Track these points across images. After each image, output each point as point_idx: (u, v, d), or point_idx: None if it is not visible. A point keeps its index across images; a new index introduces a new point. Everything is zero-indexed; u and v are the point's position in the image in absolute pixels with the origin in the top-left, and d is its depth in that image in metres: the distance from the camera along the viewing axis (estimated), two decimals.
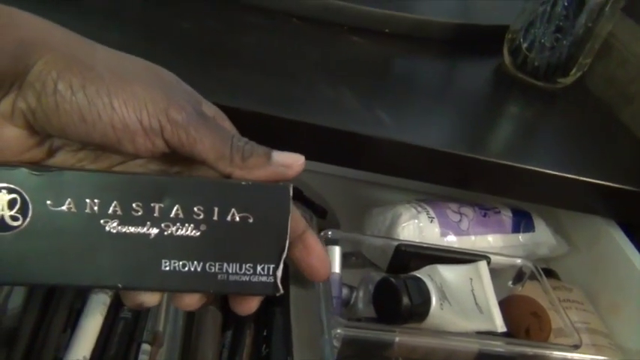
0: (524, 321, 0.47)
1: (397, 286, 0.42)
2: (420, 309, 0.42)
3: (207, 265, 0.25)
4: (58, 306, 0.39)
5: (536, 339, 0.46)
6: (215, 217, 0.25)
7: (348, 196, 0.67)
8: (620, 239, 0.55)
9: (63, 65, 0.23)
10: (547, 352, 0.45)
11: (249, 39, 0.59)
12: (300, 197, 0.61)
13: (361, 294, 0.48)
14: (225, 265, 0.25)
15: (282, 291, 0.26)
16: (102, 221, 0.24)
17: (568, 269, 0.60)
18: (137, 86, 0.24)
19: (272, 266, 0.26)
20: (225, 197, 0.25)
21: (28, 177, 0.24)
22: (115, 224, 0.24)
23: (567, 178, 0.54)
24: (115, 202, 0.24)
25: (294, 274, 0.50)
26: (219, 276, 0.25)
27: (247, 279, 0.25)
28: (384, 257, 0.50)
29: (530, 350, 0.45)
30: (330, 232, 0.48)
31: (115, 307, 0.41)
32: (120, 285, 0.25)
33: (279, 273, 0.26)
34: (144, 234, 0.24)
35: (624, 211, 0.56)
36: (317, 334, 0.41)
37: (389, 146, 0.50)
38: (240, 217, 0.25)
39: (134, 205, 0.24)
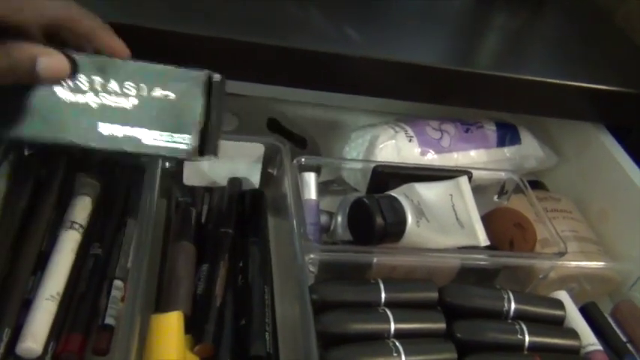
0: (507, 233, 0.46)
1: (370, 206, 0.41)
2: (394, 228, 0.41)
3: (134, 129, 0.32)
4: (25, 251, 0.38)
5: (520, 250, 0.45)
6: (143, 93, 0.32)
7: (330, 124, 0.65)
8: (610, 145, 0.53)
9: None
10: (531, 261, 0.44)
11: None
12: (277, 128, 0.59)
13: (339, 219, 0.47)
14: (147, 130, 0.32)
15: (195, 158, 0.32)
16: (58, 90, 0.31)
17: (557, 179, 0.58)
18: None
19: (187, 136, 0.32)
20: (152, 78, 0.32)
21: None
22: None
23: (554, 84, 0.52)
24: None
25: (272, 205, 0.49)
26: (142, 139, 0.32)
27: (166, 144, 0.32)
28: (364, 181, 0.49)
29: (513, 261, 0.45)
30: (303, 159, 0.46)
31: (86, 244, 0.40)
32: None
33: (193, 142, 0.32)
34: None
35: (614, 115, 0.54)
36: (293, 261, 0.40)
37: (360, 64, 0.47)
38: (162, 94, 0.32)
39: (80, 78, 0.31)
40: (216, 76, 0.33)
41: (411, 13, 0.57)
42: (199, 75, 0.32)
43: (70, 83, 0.31)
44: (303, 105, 0.63)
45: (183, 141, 0.32)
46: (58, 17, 0.33)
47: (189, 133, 0.32)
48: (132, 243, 0.41)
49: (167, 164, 0.46)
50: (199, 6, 0.47)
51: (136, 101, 0.32)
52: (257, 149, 0.48)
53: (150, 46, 0.41)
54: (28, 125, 0.31)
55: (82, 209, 0.42)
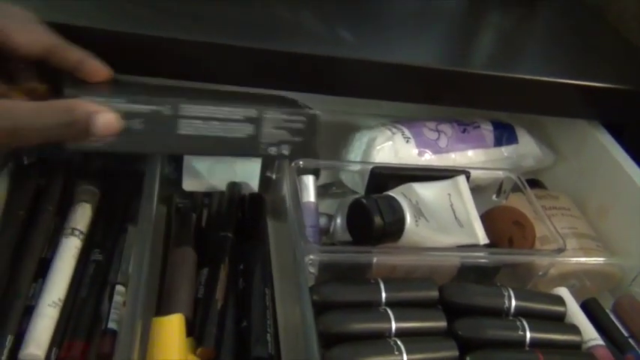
0: (506, 231, 0.46)
1: (368, 206, 0.41)
2: (393, 227, 0.41)
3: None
4: (27, 258, 0.38)
5: (519, 247, 0.45)
6: None
7: (328, 127, 0.65)
8: (607, 141, 0.53)
9: None
10: (530, 258, 0.44)
11: None
12: None
13: (339, 220, 0.47)
14: None
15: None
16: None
17: (555, 178, 0.58)
18: None
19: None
20: None
21: None
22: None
23: (550, 82, 0.52)
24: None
25: (272, 209, 0.49)
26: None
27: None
28: (363, 183, 0.49)
29: (512, 258, 0.45)
30: (301, 162, 0.47)
31: (87, 250, 0.40)
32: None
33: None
34: None
35: (610, 112, 0.55)
36: (292, 263, 0.40)
37: (356, 66, 0.48)
38: None
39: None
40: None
41: (404, 14, 0.58)
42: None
43: None
44: None
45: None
46: (53, 44, 0.35)
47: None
48: (132, 248, 0.41)
49: (166, 170, 0.47)
50: (187, 11, 0.48)
51: None
52: None
53: (139, 52, 0.42)
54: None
55: (82, 216, 0.42)
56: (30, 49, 0.34)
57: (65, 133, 0.31)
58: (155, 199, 0.41)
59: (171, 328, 0.34)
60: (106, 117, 0.31)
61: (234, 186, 0.48)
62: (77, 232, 0.40)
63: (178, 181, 0.48)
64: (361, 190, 0.50)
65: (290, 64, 0.46)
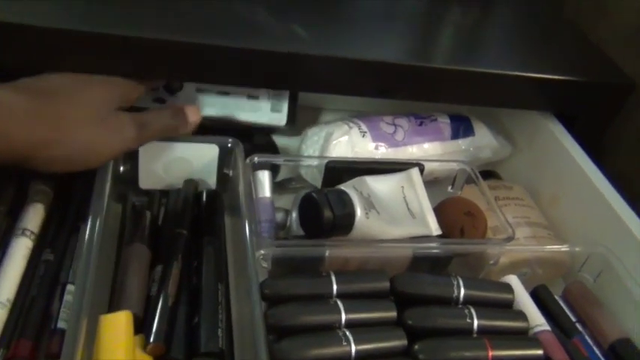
0: (458, 221, 0.47)
1: (318, 200, 0.41)
2: (343, 220, 0.42)
3: None
4: None
5: (471, 237, 0.46)
6: None
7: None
8: (559, 133, 0.55)
9: None
10: (480, 247, 0.45)
11: None
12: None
13: (294, 215, 0.47)
14: None
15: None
16: None
17: (511, 168, 0.60)
18: None
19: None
20: None
21: None
22: None
23: (504, 75, 0.53)
24: None
25: (229, 206, 0.49)
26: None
27: None
28: (321, 177, 0.50)
29: (463, 248, 0.46)
30: (256, 158, 0.47)
31: (38, 250, 0.40)
32: None
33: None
34: None
35: (561, 103, 0.56)
36: (244, 258, 0.40)
37: (313, 62, 0.48)
38: None
39: None
40: None
41: (363, 12, 0.58)
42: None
43: None
44: None
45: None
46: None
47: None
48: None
49: (121, 168, 0.47)
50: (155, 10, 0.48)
51: None
52: (212, 150, 0.49)
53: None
54: None
55: (34, 216, 0.42)
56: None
57: (174, 127, 0.45)
58: (106, 196, 0.41)
59: (119, 326, 0.34)
60: (192, 109, 0.46)
61: (190, 183, 0.49)
62: (28, 233, 0.40)
63: (134, 179, 0.49)
64: (320, 184, 0.51)
65: (246, 61, 0.47)
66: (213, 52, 0.46)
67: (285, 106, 0.53)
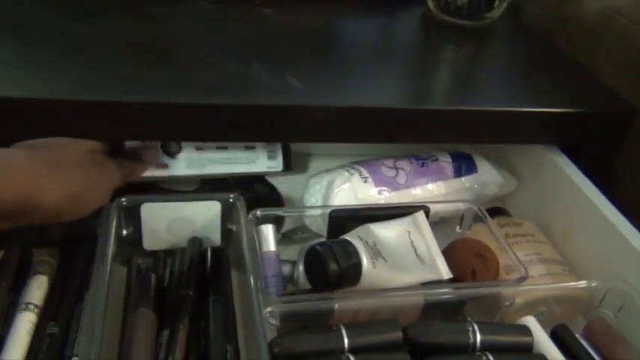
0: (468, 263, 0.46)
1: (322, 252, 0.41)
2: (350, 271, 0.41)
3: None
4: None
5: (483, 279, 0.45)
6: None
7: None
8: (564, 165, 0.54)
9: None
10: (493, 289, 0.44)
11: (155, 31, 0.58)
12: None
13: (301, 268, 0.47)
14: None
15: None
16: None
17: (518, 203, 0.59)
18: None
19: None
20: None
21: None
22: None
23: (503, 111, 0.53)
24: None
25: (235, 262, 0.49)
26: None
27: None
28: (326, 226, 0.49)
29: (475, 291, 0.44)
30: (259, 212, 0.47)
31: (42, 323, 0.40)
32: None
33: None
34: None
35: (564, 135, 0.55)
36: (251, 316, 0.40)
37: (310, 112, 0.48)
38: None
39: None
40: None
41: (355, 57, 0.59)
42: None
43: None
44: None
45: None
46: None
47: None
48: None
49: (124, 232, 0.46)
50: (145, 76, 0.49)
51: None
52: (214, 207, 0.48)
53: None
54: None
55: (37, 289, 0.42)
56: None
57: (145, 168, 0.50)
58: (109, 260, 0.40)
59: None
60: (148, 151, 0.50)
61: (194, 241, 0.48)
62: (32, 307, 0.40)
63: (139, 241, 0.48)
64: (325, 233, 0.50)
65: (245, 116, 0.47)
66: (210, 111, 0.46)
67: (279, 154, 0.54)
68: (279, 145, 0.55)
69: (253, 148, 0.54)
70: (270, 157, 0.51)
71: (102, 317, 0.36)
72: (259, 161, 0.54)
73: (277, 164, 0.54)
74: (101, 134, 0.44)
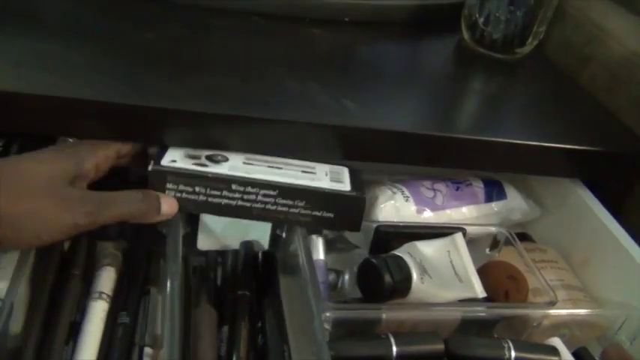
0: (502, 285, 0.50)
1: (378, 266, 0.44)
2: (401, 285, 0.44)
3: None
4: (58, 322, 0.40)
5: (514, 300, 0.49)
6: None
7: None
8: (587, 198, 0.58)
9: None
10: (526, 311, 0.48)
11: (213, 43, 0.61)
12: None
13: (347, 277, 0.50)
14: None
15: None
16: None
17: (541, 231, 0.63)
18: None
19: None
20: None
21: None
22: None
23: (533, 145, 0.56)
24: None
25: (282, 266, 0.52)
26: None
27: None
28: (366, 239, 0.53)
29: (509, 312, 0.48)
30: None
31: (114, 312, 0.42)
32: None
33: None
34: None
35: (589, 171, 0.59)
36: (309, 320, 0.43)
37: (357, 134, 0.52)
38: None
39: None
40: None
41: (397, 80, 0.62)
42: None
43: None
44: None
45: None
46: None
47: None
48: (157, 310, 0.43)
49: (186, 230, 0.49)
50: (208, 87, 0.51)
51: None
52: None
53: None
54: None
55: (107, 279, 0.44)
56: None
57: (143, 212, 0.42)
58: (180, 259, 0.43)
59: None
60: (169, 200, 0.43)
61: (248, 244, 0.51)
62: (104, 296, 0.42)
63: (193, 240, 0.51)
64: (364, 245, 0.54)
65: (301, 133, 0.50)
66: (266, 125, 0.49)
67: (346, 176, 0.51)
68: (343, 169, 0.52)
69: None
70: (332, 180, 0.49)
71: (180, 316, 0.39)
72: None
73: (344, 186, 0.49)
74: (179, 141, 0.47)
